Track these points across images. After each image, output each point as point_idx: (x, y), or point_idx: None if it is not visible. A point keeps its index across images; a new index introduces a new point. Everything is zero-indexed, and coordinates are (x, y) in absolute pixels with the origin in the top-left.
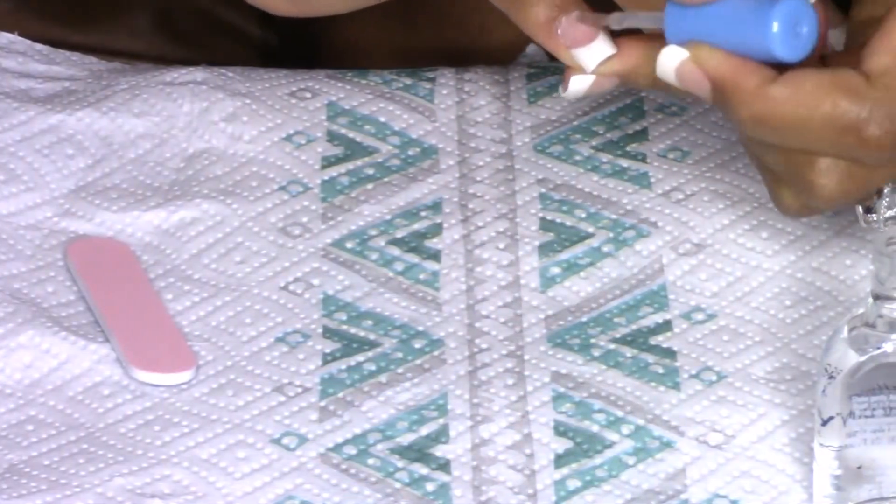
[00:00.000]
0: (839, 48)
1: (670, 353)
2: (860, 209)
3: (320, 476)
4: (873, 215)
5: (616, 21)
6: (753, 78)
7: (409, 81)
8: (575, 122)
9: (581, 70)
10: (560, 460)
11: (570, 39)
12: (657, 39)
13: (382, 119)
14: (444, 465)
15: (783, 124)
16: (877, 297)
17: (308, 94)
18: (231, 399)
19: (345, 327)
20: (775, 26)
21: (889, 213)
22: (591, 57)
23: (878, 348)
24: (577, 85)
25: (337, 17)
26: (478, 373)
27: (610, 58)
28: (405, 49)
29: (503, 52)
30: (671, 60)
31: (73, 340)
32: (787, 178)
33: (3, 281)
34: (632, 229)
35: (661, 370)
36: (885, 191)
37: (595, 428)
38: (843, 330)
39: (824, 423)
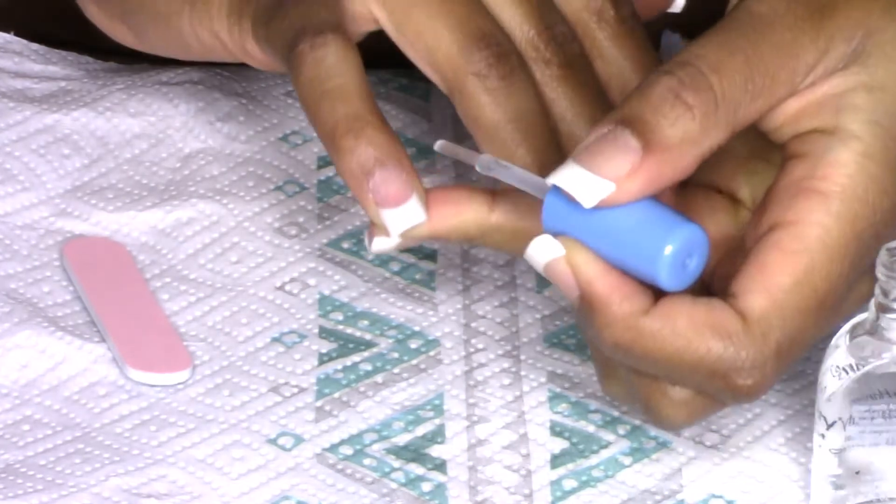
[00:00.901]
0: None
1: None
2: None
3: (316, 476)
4: None
5: (486, 166)
6: (626, 305)
7: (405, 81)
8: None
9: (384, 229)
10: (556, 460)
11: (379, 197)
12: (470, 204)
13: None
14: (441, 466)
15: (648, 357)
16: (879, 307)
17: None
18: (227, 399)
19: (341, 327)
20: (668, 251)
21: None
22: (399, 219)
23: (880, 357)
24: (381, 245)
25: None
26: (474, 373)
27: (418, 224)
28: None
29: None
30: (543, 254)
31: (69, 340)
32: (634, 397)
33: None
34: None
35: None
36: None
37: (591, 428)
38: (843, 337)
39: (829, 427)
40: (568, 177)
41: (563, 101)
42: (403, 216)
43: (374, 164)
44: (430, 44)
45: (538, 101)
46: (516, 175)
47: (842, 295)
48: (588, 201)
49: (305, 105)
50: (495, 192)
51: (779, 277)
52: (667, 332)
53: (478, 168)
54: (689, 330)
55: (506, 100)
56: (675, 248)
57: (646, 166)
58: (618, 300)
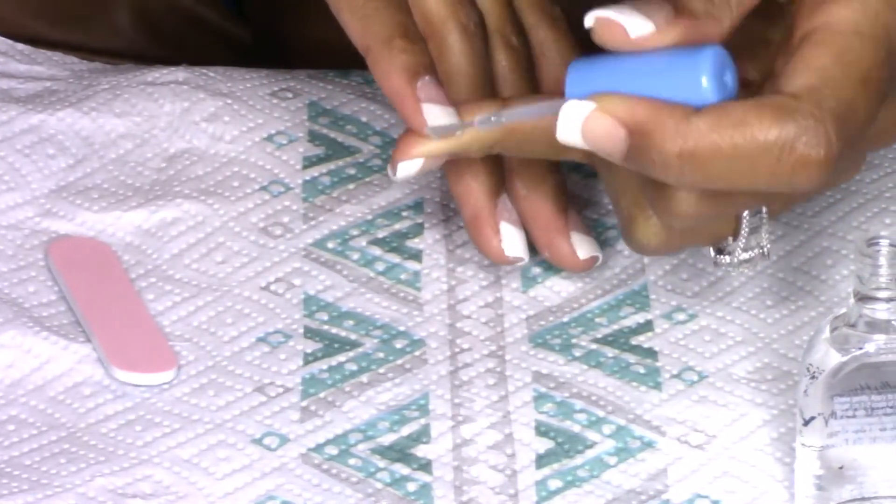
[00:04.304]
0: None
1: (651, 353)
2: (712, 251)
3: (301, 476)
4: (726, 257)
5: (484, 121)
6: (675, 113)
7: None
8: None
9: (418, 125)
10: (541, 460)
11: (425, 94)
12: (485, 113)
13: (364, 119)
14: (426, 466)
15: (714, 156)
16: (858, 298)
17: (289, 94)
18: (212, 399)
19: (326, 327)
20: (704, 80)
21: (745, 256)
22: (438, 115)
23: (860, 348)
24: (406, 170)
25: (313, 16)
26: (459, 373)
27: (451, 126)
28: None
29: None
30: (575, 117)
31: (54, 340)
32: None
33: None
34: (613, 229)
35: (642, 370)
36: (743, 231)
37: (576, 428)
38: (824, 330)
39: (806, 423)
40: (611, 14)
41: (504, 64)
42: (442, 113)
43: (425, 70)
44: None
45: (488, 59)
46: (533, 109)
47: (885, 85)
48: (634, 30)
49: (360, 15)
50: (504, 99)
51: (819, 59)
52: (724, 122)
53: (477, 125)
54: (743, 114)
55: (472, 48)
56: (709, 70)
57: (681, 21)
58: (665, 113)
